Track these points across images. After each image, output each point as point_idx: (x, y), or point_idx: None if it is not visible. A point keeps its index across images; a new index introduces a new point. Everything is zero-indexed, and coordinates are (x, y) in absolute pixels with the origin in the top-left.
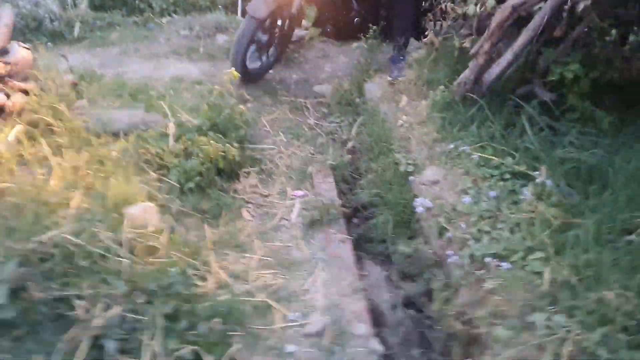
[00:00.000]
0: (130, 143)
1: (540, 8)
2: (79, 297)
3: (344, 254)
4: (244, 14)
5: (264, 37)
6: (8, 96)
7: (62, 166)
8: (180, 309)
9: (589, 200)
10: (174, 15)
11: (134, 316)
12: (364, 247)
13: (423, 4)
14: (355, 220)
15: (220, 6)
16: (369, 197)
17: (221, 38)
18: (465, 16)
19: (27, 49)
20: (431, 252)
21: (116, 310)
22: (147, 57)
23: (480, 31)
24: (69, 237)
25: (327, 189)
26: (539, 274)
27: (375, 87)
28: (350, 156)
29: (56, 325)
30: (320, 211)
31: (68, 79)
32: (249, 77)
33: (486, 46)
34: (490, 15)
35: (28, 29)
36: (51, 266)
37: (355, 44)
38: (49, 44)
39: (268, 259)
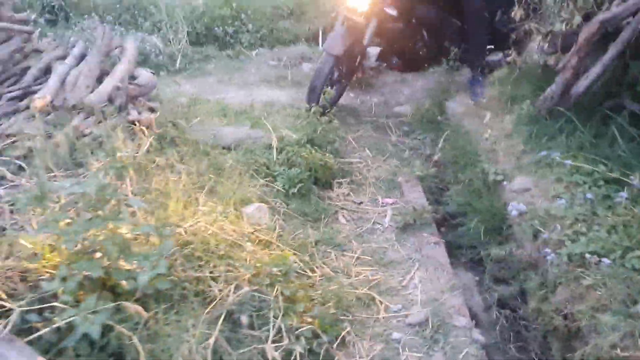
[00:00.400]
0: (241, 154)
1: (628, 23)
2: (213, 279)
3: (438, 255)
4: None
5: (335, 74)
6: (139, 113)
7: (187, 172)
8: (297, 293)
9: None
10: (261, 48)
11: (260, 295)
12: (454, 253)
13: (501, 28)
14: (442, 229)
15: (303, 39)
16: (457, 205)
17: (306, 67)
18: (548, 35)
19: (153, 73)
20: (525, 255)
21: (246, 290)
22: (240, 85)
23: (565, 48)
24: (205, 225)
25: (416, 196)
26: (639, 271)
27: (456, 105)
28: (435, 168)
29: (198, 300)
30: (412, 216)
31: (182, 101)
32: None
33: (573, 61)
34: (575, 32)
35: (136, 62)
36: (191, 251)
37: (431, 69)
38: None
39: (366, 257)
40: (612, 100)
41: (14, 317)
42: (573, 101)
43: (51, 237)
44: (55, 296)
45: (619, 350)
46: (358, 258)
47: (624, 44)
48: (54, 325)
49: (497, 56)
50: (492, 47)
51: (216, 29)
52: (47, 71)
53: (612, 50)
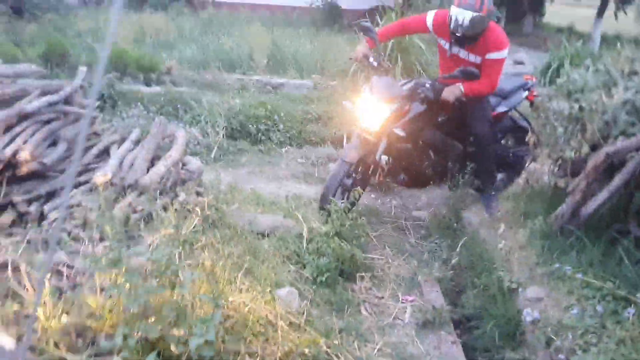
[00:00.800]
0: (274, 241)
1: (632, 156)
2: (249, 354)
3: (455, 354)
4: None
5: (349, 181)
6: (187, 195)
7: (228, 252)
8: None
9: None
10: (289, 147)
11: None
12: (469, 355)
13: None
14: (457, 330)
15: (328, 142)
16: (473, 309)
17: (332, 166)
18: (558, 160)
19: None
20: None
21: None
22: (270, 178)
23: (574, 173)
24: (245, 302)
25: (435, 296)
26: None
27: (472, 215)
28: (452, 272)
29: None
30: (431, 314)
31: (221, 188)
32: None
33: (582, 185)
34: (584, 159)
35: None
36: (231, 324)
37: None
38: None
39: (387, 350)
40: (619, 224)
41: None
42: (582, 221)
43: (110, 300)
44: (110, 353)
45: None
46: (380, 350)
47: (629, 174)
48: None
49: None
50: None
51: (250, 126)
52: (104, 151)
53: (618, 179)
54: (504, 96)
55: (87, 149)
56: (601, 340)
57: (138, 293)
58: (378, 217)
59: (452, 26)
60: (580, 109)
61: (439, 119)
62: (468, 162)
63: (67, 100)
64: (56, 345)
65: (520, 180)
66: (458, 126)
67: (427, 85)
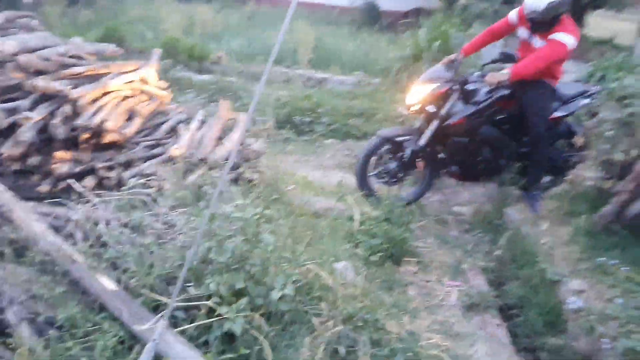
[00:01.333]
0: (328, 221)
1: None
2: (315, 314)
3: (500, 335)
4: None
5: (393, 164)
6: (252, 172)
7: (290, 226)
8: (382, 337)
9: None
10: (332, 139)
11: (354, 335)
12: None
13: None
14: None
15: (370, 137)
16: (516, 298)
17: (373, 159)
18: (606, 162)
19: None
20: (581, 346)
21: (339, 328)
22: (316, 166)
23: (621, 176)
24: (314, 269)
25: (479, 283)
26: None
27: (515, 212)
28: (494, 263)
29: (304, 326)
30: (477, 297)
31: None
32: (368, 191)
33: (630, 186)
34: (632, 162)
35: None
36: (302, 285)
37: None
38: None
39: (435, 327)
40: None
41: (168, 312)
42: (628, 220)
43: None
44: (199, 299)
45: None
46: (428, 326)
47: None
48: (201, 322)
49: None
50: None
51: (295, 117)
52: (173, 129)
53: None
54: (565, 101)
55: (158, 125)
56: None
57: (226, 247)
58: (421, 209)
59: (526, 12)
60: (631, 114)
61: (498, 117)
62: (519, 162)
63: (143, 80)
64: (152, 288)
65: (565, 183)
66: (515, 125)
67: (481, 73)
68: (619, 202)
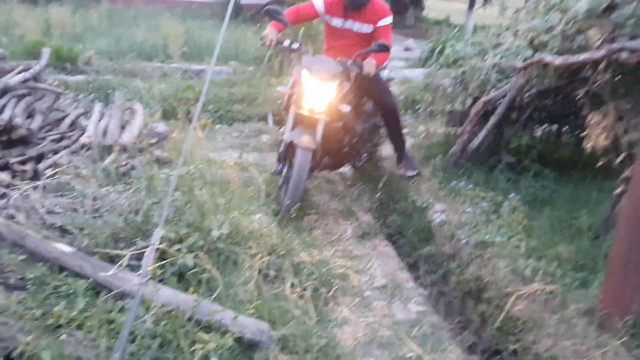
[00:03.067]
0: (238, 185)
1: (500, 102)
2: (245, 250)
3: (388, 251)
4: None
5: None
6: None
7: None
8: (302, 264)
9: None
10: (220, 125)
11: (278, 261)
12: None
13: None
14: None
15: (255, 119)
16: (397, 226)
17: (265, 137)
18: (450, 112)
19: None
20: (447, 250)
21: (267, 257)
22: (210, 149)
23: (461, 121)
24: (239, 216)
25: (368, 219)
26: (518, 248)
27: (386, 164)
28: (377, 204)
29: (238, 259)
30: (367, 229)
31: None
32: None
33: (468, 128)
34: (467, 111)
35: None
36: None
37: None
38: None
39: (339, 254)
40: (494, 156)
41: (125, 260)
42: (469, 155)
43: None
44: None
45: (508, 288)
46: (333, 254)
47: (499, 116)
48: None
49: None
50: None
51: (181, 107)
52: (72, 123)
53: (492, 120)
54: None
55: (58, 120)
56: (487, 227)
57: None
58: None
59: None
60: (463, 72)
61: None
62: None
63: (36, 78)
64: (105, 246)
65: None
66: (362, 105)
67: (350, 63)
68: (462, 142)
